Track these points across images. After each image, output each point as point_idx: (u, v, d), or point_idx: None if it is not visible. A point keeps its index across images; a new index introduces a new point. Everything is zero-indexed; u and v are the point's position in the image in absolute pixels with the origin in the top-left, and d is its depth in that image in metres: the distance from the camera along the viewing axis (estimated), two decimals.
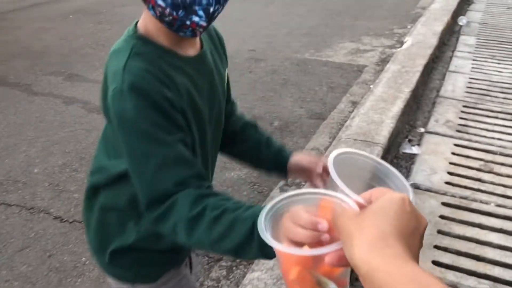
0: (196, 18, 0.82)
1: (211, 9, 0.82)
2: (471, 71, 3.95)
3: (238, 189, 2.39)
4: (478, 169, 2.62)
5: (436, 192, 2.42)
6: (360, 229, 0.48)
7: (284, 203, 0.61)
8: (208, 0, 0.81)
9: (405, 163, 2.70)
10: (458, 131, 3.00)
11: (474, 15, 5.57)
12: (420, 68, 3.56)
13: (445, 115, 3.21)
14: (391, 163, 2.70)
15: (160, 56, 0.87)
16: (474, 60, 4.19)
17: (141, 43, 0.87)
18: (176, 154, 0.83)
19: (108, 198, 0.98)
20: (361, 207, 0.55)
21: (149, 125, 0.81)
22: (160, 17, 0.83)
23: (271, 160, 1.11)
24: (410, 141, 2.93)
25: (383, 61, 4.04)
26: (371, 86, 3.48)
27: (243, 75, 3.84)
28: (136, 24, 0.92)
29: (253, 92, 3.53)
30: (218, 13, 0.85)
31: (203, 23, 0.83)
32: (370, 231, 0.47)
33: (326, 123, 3.01)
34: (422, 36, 4.37)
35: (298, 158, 1.09)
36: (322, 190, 0.61)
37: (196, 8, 0.81)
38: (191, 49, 0.94)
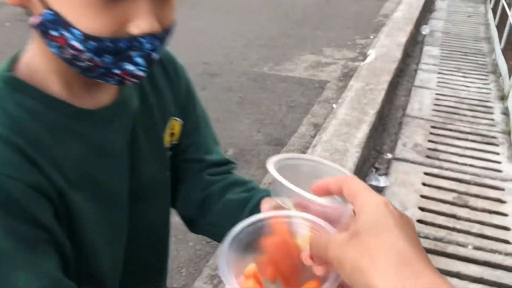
0: (130, 67, 0.58)
1: (154, 55, 0.58)
2: (437, 85, 3.76)
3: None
4: (452, 203, 2.39)
5: None
6: (369, 256, 0.40)
7: (243, 234, 0.51)
8: (152, 43, 0.57)
9: None
10: (428, 156, 2.77)
11: (436, 24, 5.44)
12: (385, 85, 3.32)
13: (413, 137, 2.98)
14: None
15: (35, 115, 0.60)
16: (439, 73, 4.02)
17: (8, 90, 0.59)
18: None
19: None
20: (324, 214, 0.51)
21: None
22: (71, 61, 0.57)
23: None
24: (377, 169, 2.67)
25: (346, 76, 3.80)
26: (334, 105, 3.22)
27: None
28: (15, 57, 0.63)
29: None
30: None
31: (140, 73, 0.59)
32: (384, 255, 0.40)
33: (286, 151, 2.72)
34: (386, 48, 4.15)
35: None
36: (277, 213, 0.54)
37: (133, 54, 0.57)
38: (102, 96, 0.66)
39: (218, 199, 0.79)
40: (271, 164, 0.55)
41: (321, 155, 2.48)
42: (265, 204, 0.59)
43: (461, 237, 2.15)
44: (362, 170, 2.58)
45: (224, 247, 0.49)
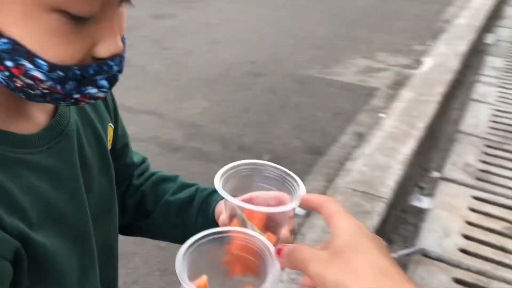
0: (93, 90, 0.54)
1: (119, 76, 0.56)
2: (497, 101, 3.49)
3: None
4: (501, 233, 2.18)
5: (447, 262, 2.00)
6: (352, 272, 0.44)
7: (198, 244, 0.54)
8: (121, 64, 0.55)
9: (413, 219, 2.28)
10: (478, 178, 2.56)
11: (503, 32, 5.08)
12: (438, 97, 3.12)
13: (464, 156, 2.77)
14: (397, 218, 2.28)
15: None
16: (500, 87, 3.73)
17: None
18: None
19: None
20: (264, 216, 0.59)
21: None
22: (20, 89, 0.51)
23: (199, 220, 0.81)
24: (421, 188, 2.50)
25: (397, 84, 3.60)
26: (381, 115, 3.06)
27: (236, 93, 3.43)
28: None
29: (245, 114, 3.13)
30: None
31: (101, 95, 0.56)
32: (366, 271, 0.44)
33: (325, 161, 2.59)
34: (443, 57, 3.92)
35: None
36: (232, 228, 0.59)
37: (98, 78, 0.54)
38: (40, 116, 0.61)
39: (156, 198, 0.82)
40: (217, 181, 0.59)
41: (361, 170, 2.35)
42: (221, 215, 0.64)
43: (508, 273, 1.95)
44: (405, 188, 2.42)
45: (181, 251, 0.52)
